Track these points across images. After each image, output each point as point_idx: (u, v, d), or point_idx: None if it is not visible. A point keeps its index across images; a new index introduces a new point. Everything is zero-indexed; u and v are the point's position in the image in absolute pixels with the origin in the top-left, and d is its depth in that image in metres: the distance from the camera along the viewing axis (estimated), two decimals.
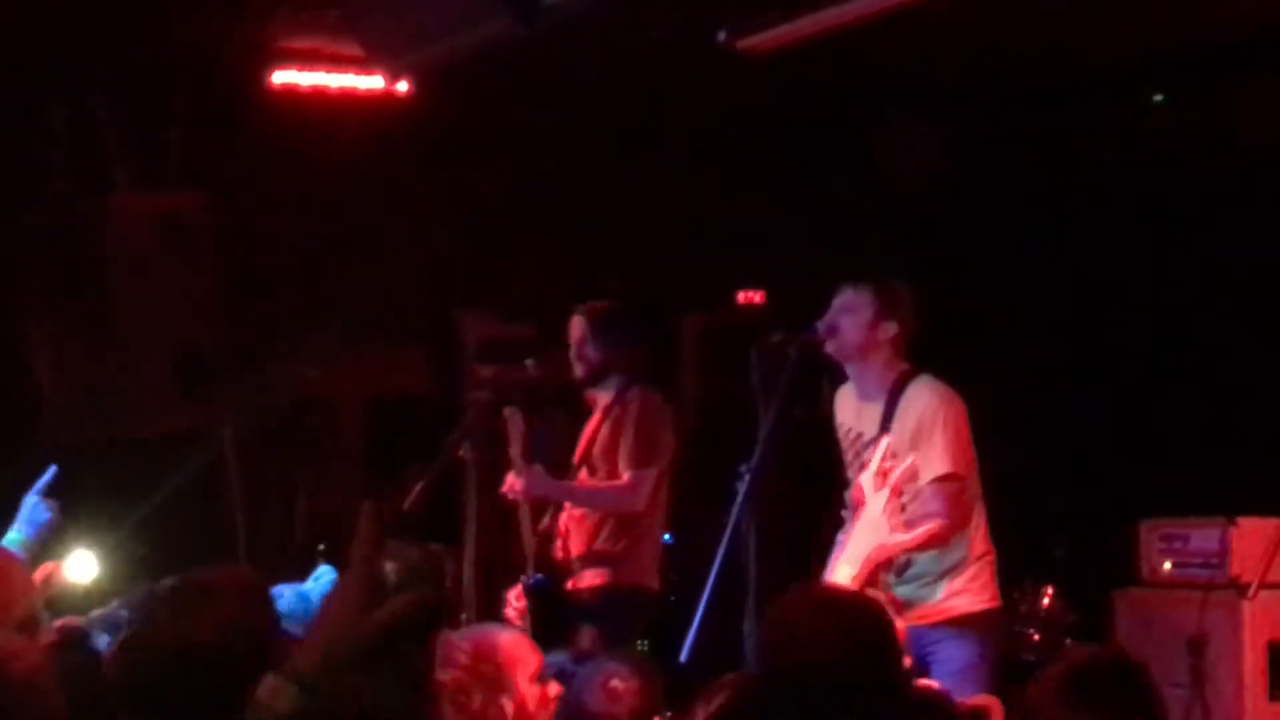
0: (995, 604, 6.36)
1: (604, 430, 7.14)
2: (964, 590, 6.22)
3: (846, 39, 6.71)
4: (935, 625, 6.19)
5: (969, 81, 8.22)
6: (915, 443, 6.19)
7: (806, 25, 6.53)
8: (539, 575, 6.88)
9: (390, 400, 8.77)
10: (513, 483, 6.90)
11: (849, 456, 6.52)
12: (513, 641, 4.26)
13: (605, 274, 8.69)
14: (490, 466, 6.93)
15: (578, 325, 7.20)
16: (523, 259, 8.71)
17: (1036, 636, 7.61)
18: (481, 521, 6.80)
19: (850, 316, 6.36)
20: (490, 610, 6.78)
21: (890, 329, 6.35)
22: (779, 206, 9.07)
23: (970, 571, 6.28)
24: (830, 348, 6.39)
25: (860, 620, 3.49)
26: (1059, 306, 9.47)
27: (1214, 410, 8.74)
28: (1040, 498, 8.58)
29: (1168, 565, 7.84)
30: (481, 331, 8.65)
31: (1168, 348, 9.26)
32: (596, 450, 7.15)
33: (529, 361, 7.20)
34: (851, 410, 6.51)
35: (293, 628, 3.83)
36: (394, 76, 7.52)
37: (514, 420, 6.89)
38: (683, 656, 5.48)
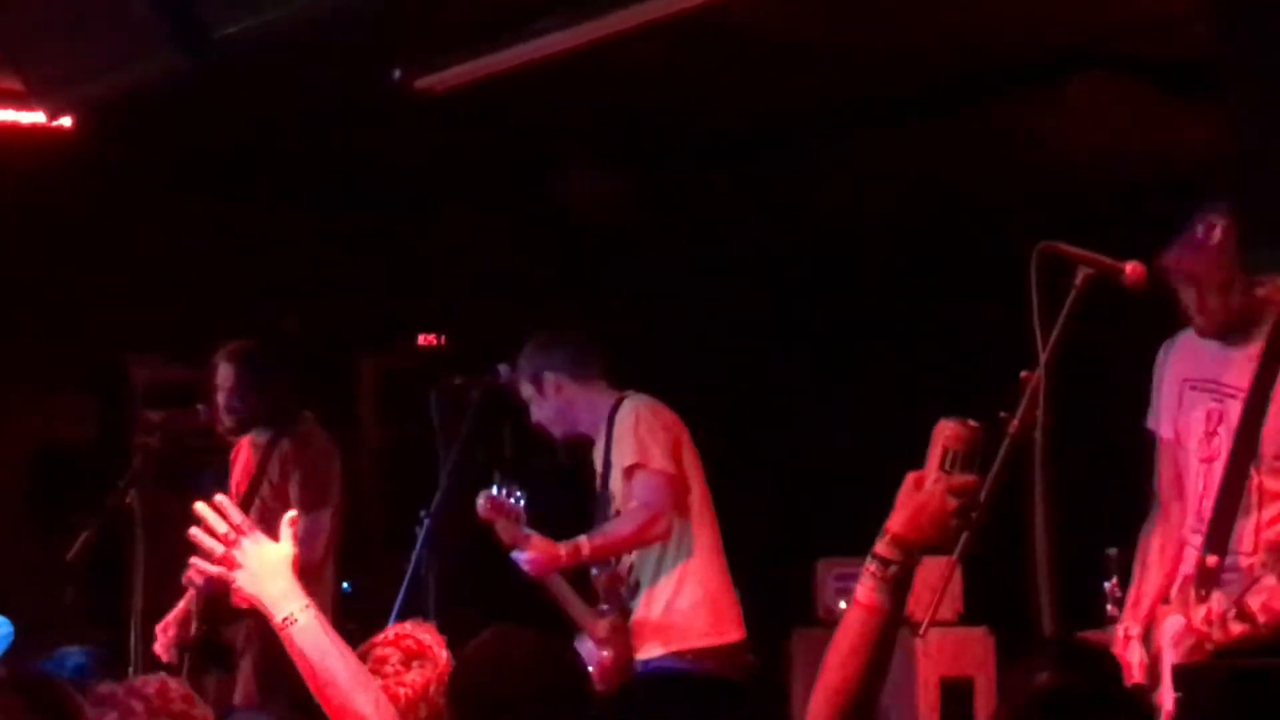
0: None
1: (270, 474, 6.96)
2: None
3: (526, 79, 6.69)
4: None
5: (651, 122, 8.26)
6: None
7: (484, 65, 6.50)
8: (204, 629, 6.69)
9: (54, 447, 8.46)
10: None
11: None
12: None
13: (281, 314, 8.52)
14: (158, 514, 6.71)
15: (226, 373, 7.00)
16: (194, 299, 8.49)
17: None
18: (148, 571, 6.59)
19: (535, 408, 6.39)
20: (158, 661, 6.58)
21: (554, 383, 6.35)
22: (460, 248, 9.01)
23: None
24: (559, 434, 6.40)
25: (554, 663, 3.50)
26: (741, 349, 9.56)
27: (891, 447, 8.89)
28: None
29: (843, 604, 7.94)
30: (150, 375, 8.41)
31: (846, 387, 9.41)
32: (268, 495, 6.95)
33: (200, 406, 7.02)
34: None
35: None
36: (55, 112, 7.26)
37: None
38: None
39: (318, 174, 8.51)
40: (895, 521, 3.13)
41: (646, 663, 6.23)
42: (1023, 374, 4.23)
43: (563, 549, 6.08)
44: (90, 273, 8.26)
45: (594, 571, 6.34)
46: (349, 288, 8.80)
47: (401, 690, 4.00)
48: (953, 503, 3.11)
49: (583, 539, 6.12)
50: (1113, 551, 6.34)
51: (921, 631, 7.42)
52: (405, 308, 8.87)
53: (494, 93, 6.84)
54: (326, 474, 6.97)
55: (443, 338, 8.97)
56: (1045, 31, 7.03)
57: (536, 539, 6.09)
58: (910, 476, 3.15)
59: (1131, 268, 4.40)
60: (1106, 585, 6.39)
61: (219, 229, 8.57)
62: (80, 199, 8.21)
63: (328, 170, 8.47)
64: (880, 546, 3.13)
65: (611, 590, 6.30)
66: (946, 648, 7.60)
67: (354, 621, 7.27)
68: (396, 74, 6.62)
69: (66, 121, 7.47)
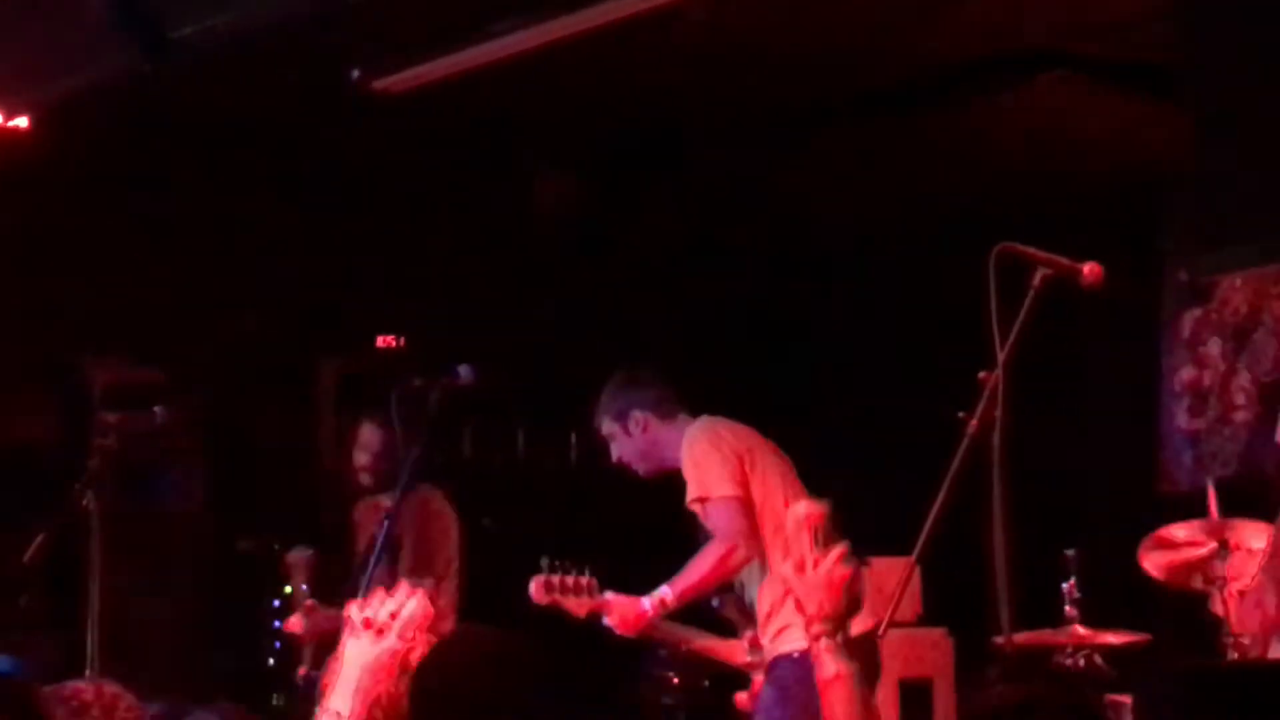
0: None
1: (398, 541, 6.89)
2: None
3: (485, 80, 6.68)
4: None
5: (609, 124, 8.25)
6: None
7: (443, 66, 6.49)
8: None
9: (12, 448, 8.41)
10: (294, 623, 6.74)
11: None
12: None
13: (241, 316, 8.49)
14: (116, 517, 6.68)
15: (371, 435, 7.04)
16: (153, 301, 8.45)
17: (676, 679, 7.64)
18: (105, 574, 6.54)
19: (617, 446, 6.31)
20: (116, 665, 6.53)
21: (639, 421, 6.29)
22: (418, 249, 8.98)
23: None
24: (643, 471, 6.31)
25: (519, 663, 3.50)
26: (695, 355, 9.56)
27: (850, 448, 8.91)
28: (689, 542, 8.63)
29: None
30: (108, 376, 8.35)
31: (806, 389, 9.42)
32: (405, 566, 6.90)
33: (158, 408, 6.97)
34: None
35: None
36: (12, 112, 7.22)
37: (298, 560, 6.73)
38: None
39: (275, 175, 8.47)
40: (810, 609, 3.33)
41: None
42: (981, 374, 4.23)
43: (647, 603, 5.99)
44: (48, 273, 8.21)
45: (714, 603, 6.27)
46: (307, 289, 8.77)
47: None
48: (845, 569, 3.32)
49: (665, 588, 5.99)
50: (1071, 552, 6.35)
51: (880, 633, 7.47)
52: (364, 309, 8.84)
53: (453, 94, 6.83)
54: (439, 543, 6.98)
55: (402, 339, 8.95)
56: (1011, 33, 7.05)
57: (615, 600, 5.99)
58: (786, 566, 3.35)
59: (1089, 268, 4.39)
60: (1065, 586, 6.40)
61: (177, 230, 8.53)
62: (38, 200, 8.15)
63: (285, 171, 8.44)
64: (815, 630, 3.33)
65: (743, 615, 6.23)
66: (905, 649, 7.59)
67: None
68: (355, 74, 6.61)
69: (23, 122, 7.44)
